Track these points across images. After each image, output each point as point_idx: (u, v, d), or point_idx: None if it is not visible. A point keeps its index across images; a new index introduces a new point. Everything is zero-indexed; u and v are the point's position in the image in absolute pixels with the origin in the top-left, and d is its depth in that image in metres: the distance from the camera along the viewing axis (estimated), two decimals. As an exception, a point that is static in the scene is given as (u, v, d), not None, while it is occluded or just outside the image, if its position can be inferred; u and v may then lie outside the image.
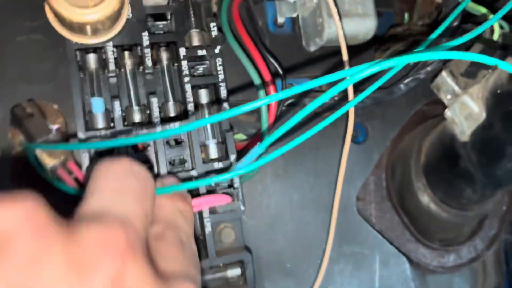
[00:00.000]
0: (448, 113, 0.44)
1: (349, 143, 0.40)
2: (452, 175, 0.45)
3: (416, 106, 0.47)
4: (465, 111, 0.41)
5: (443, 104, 0.48)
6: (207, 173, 0.38)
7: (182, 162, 0.39)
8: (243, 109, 0.29)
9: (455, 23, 0.41)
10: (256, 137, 0.42)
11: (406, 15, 0.47)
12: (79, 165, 0.36)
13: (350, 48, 0.45)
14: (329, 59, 0.46)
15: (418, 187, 0.49)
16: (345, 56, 0.37)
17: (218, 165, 0.38)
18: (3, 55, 0.38)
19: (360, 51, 0.45)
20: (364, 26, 0.44)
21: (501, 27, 0.38)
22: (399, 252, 0.48)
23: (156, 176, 0.36)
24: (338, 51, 0.46)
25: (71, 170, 0.36)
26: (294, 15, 0.45)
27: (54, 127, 0.41)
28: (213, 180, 0.33)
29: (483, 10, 0.37)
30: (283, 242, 0.45)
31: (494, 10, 0.38)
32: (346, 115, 0.44)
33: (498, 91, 0.38)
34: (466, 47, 0.41)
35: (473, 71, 0.41)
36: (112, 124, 0.37)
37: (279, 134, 0.29)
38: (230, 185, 0.37)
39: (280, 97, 0.31)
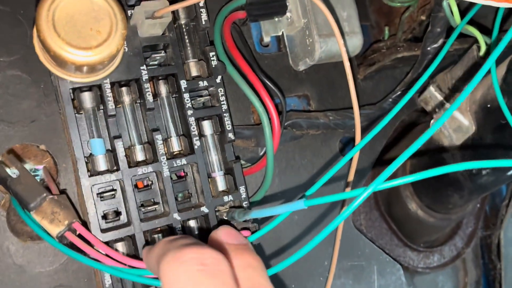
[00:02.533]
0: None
1: (353, 174, 0.41)
2: (439, 183, 0.47)
3: (401, 119, 0.49)
4: (455, 124, 0.43)
5: (422, 111, 0.50)
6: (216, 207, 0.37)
7: (186, 197, 0.38)
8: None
9: (441, 40, 0.42)
10: (260, 163, 0.41)
11: (387, 30, 0.48)
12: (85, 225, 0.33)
13: (336, 64, 0.46)
14: (317, 77, 0.46)
15: (405, 195, 0.50)
16: (348, 71, 0.37)
17: (228, 198, 0.37)
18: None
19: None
20: (351, 43, 0.44)
21: (486, 43, 0.40)
22: (393, 260, 0.49)
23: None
24: (325, 68, 0.47)
25: (76, 230, 0.33)
26: (279, 33, 0.45)
27: (40, 166, 0.38)
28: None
29: (477, 33, 0.39)
30: (286, 263, 0.45)
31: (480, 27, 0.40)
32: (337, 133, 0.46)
33: (488, 106, 0.40)
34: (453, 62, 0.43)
35: (459, 85, 0.43)
36: (115, 167, 0.34)
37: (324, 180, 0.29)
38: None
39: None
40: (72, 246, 0.31)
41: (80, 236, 0.31)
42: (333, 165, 0.45)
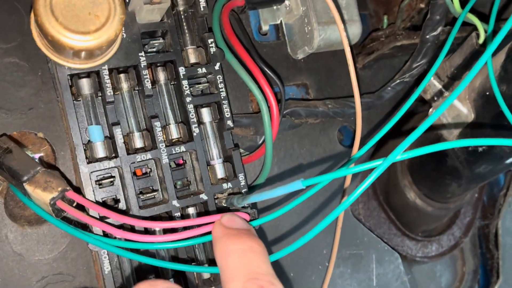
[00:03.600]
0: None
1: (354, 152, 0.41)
2: (438, 172, 0.47)
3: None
4: (454, 112, 0.43)
5: (420, 100, 0.50)
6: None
7: (185, 184, 0.37)
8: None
9: (440, 27, 0.42)
10: (259, 151, 0.41)
11: (385, 19, 0.48)
12: (79, 192, 0.33)
13: (335, 53, 0.46)
14: (316, 65, 0.46)
15: (404, 184, 0.50)
16: (350, 61, 0.36)
17: (227, 185, 0.37)
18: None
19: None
20: (350, 31, 0.44)
21: (485, 31, 0.40)
22: (392, 249, 0.49)
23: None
24: (324, 57, 0.46)
25: (71, 199, 0.33)
26: (278, 21, 0.45)
27: (37, 155, 0.38)
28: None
29: (477, 21, 0.39)
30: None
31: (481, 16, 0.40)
32: (338, 121, 0.45)
33: (487, 93, 0.40)
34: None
35: (458, 73, 0.43)
36: (113, 154, 0.34)
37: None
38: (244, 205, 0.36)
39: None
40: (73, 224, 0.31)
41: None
42: (334, 157, 0.46)
